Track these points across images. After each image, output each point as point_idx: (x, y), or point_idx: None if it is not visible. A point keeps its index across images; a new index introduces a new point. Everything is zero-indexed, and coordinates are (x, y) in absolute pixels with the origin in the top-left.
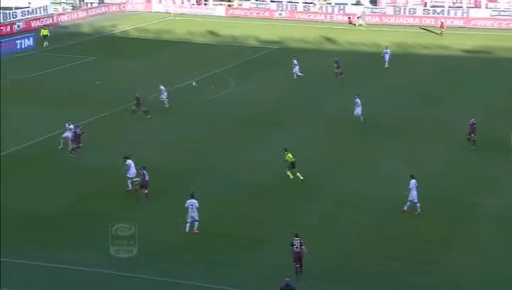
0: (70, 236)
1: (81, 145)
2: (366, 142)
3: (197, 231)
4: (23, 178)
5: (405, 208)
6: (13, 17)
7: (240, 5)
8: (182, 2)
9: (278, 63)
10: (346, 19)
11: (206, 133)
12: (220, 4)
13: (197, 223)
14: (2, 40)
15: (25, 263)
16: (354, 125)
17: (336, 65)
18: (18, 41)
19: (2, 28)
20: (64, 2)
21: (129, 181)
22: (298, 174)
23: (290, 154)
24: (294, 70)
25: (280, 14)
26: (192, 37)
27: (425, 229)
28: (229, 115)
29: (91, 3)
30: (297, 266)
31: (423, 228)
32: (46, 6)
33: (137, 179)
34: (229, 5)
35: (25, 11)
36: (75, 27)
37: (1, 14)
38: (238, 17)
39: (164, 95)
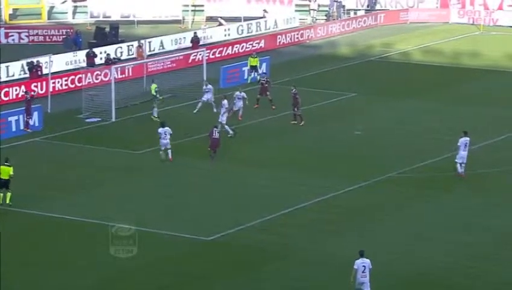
0: None
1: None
2: None
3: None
4: None
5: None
6: (248, 32)
7: None
8: (500, 7)
9: None
10: None
11: None
12: None
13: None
14: (225, 66)
15: None
16: None
17: None
18: (244, 69)
19: (225, 48)
20: (313, 10)
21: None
22: None
23: None
24: None
25: None
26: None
27: None
28: None
29: (354, 10)
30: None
31: None
32: (291, 18)
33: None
34: None
35: (259, 23)
36: (329, 46)
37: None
38: None
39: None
